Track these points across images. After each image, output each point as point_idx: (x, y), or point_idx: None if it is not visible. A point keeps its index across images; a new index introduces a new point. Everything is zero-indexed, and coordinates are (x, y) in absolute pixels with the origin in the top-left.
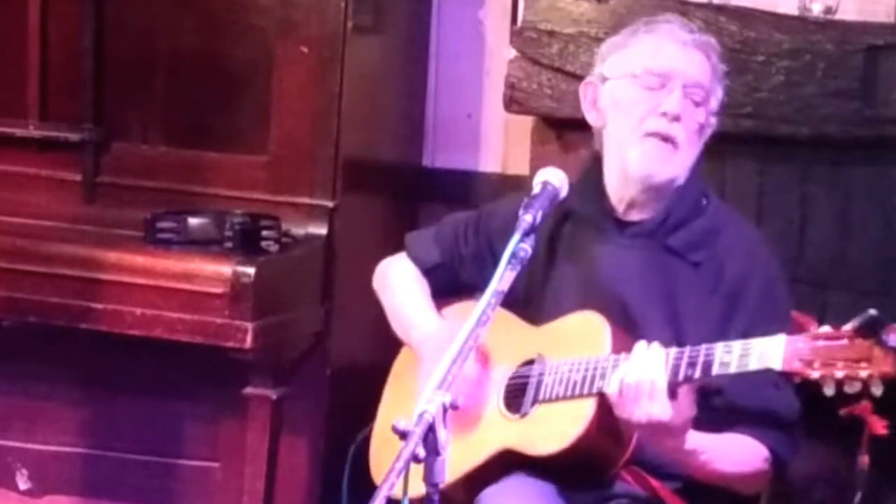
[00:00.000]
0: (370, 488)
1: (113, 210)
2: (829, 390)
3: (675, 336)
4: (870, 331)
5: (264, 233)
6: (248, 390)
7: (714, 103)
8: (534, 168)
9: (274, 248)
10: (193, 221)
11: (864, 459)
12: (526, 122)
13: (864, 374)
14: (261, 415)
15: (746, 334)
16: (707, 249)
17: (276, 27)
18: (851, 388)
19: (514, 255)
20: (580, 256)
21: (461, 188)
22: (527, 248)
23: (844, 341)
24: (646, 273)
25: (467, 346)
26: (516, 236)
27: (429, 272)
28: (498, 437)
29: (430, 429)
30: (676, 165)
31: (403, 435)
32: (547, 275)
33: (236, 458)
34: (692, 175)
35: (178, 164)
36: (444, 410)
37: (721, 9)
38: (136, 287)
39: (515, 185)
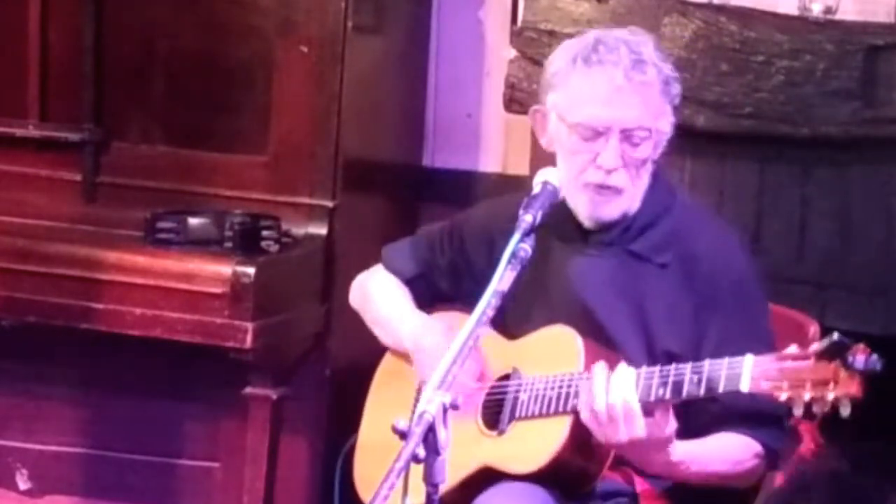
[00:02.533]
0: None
1: (113, 210)
2: (797, 410)
3: (647, 342)
4: (834, 353)
5: (264, 233)
6: (248, 390)
7: (664, 124)
8: (534, 168)
9: (274, 248)
10: (193, 221)
11: (779, 477)
12: (526, 122)
13: (830, 395)
14: (261, 415)
15: (722, 340)
16: (674, 250)
17: (276, 27)
18: (820, 409)
19: (514, 254)
20: (546, 267)
21: (461, 188)
22: (527, 248)
23: (811, 362)
24: (613, 281)
25: (467, 346)
26: (516, 236)
27: (408, 283)
28: (477, 454)
29: (430, 429)
30: (624, 203)
31: (403, 435)
32: (514, 285)
33: (236, 458)
34: (654, 177)
35: (178, 164)
36: (444, 410)
37: (721, 9)
38: (136, 287)
39: (515, 185)
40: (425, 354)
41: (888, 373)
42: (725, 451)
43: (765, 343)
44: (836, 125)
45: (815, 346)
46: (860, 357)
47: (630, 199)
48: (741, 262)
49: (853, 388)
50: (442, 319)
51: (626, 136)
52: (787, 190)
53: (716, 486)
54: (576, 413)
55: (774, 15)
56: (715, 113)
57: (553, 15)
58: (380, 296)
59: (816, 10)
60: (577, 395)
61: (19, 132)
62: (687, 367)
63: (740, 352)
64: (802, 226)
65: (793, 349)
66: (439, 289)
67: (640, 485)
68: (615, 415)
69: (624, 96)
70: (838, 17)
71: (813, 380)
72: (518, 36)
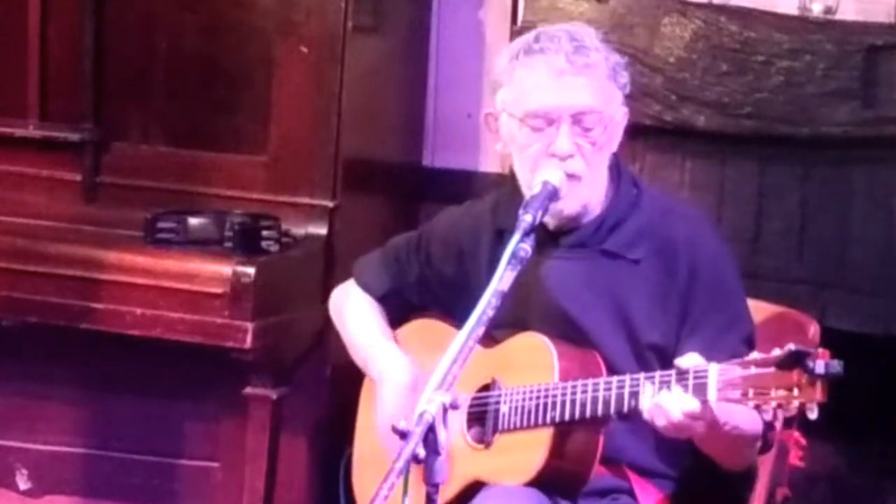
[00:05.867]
0: None
1: (113, 210)
2: (767, 416)
3: (630, 339)
4: (794, 361)
5: (264, 233)
6: (248, 390)
7: (615, 109)
8: None
9: (274, 248)
10: (193, 221)
11: (784, 491)
12: None
13: (795, 403)
14: (261, 415)
15: (698, 320)
16: (646, 244)
17: (276, 27)
18: (788, 414)
19: (514, 254)
20: (519, 274)
21: (461, 188)
22: (527, 248)
23: (773, 369)
24: (588, 282)
25: (467, 346)
26: (516, 236)
27: (381, 300)
28: (467, 468)
29: (430, 429)
30: (584, 193)
31: (403, 435)
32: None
33: (236, 458)
34: (617, 172)
35: (178, 164)
36: (444, 410)
37: (721, 9)
38: (136, 287)
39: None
40: (383, 399)
41: (888, 373)
42: (745, 412)
43: (737, 325)
44: (836, 125)
45: (776, 353)
46: (820, 363)
47: (589, 188)
48: (714, 244)
49: (816, 393)
50: (409, 338)
51: (577, 120)
52: (787, 190)
53: (726, 458)
54: (555, 425)
55: (774, 15)
56: (715, 113)
57: (553, 15)
58: (353, 319)
59: (816, 10)
60: (554, 406)
61: (19, 132)
62: (655, 378)
63: (712, 335)
64: (802, 226)
65: (755, 355)
66: (411, 302)
67: (636, 481)
68: (682, 427)
69: (568, 80)
70: (838, 17)
71: (776, 386)
72: (518, 36)
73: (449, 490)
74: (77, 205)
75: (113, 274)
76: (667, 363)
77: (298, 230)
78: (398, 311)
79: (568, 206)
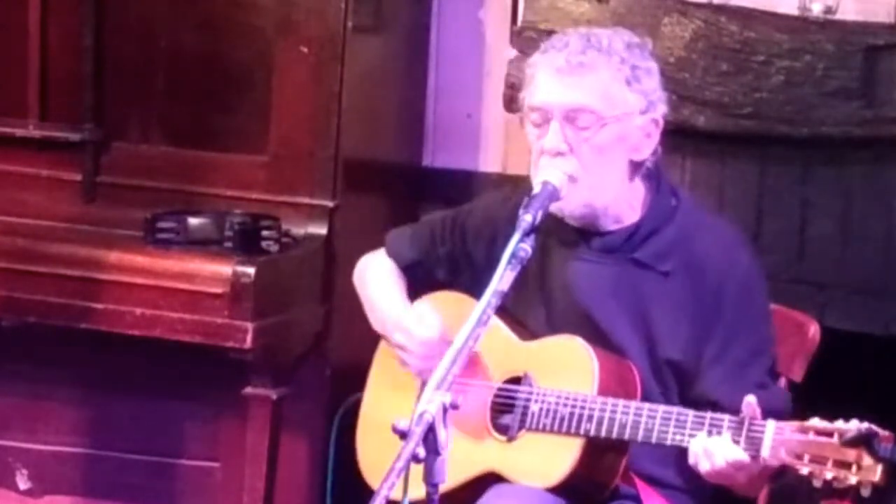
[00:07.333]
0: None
1: (113, 210)
2: (817, 483)
3: (649, 350)
4: (862, 441)
5: (264, 233)
6: (248, 390)
7: (617, 110)
8: None
9: (274, 248)
10: (193, 221)
11: None
12: None
13: (852, 479)
14: (261, 415)
15: (723, 348)
16: (677, 257)
17: (276, 27)
18: (840, 486)
19: (514, 255)
20: (548, 269)
21: (461, 188)
22: (527, 248)
23: (835, 441)
24: (615, 289)
25: (467, 346)
26: (516, 236)
27: (406, 269)
28: (485, 457)
29: (430, 429)
30: (584, 193)
31: (403, 435)
32: (514, 289)
33: (236, 458)
34: (657, 182)
35: (178, 164)
36: (444, 410)
37: (721, 9)
38: (136, 287)
39: (516, 186)
40: (418, 346)
41: (888, 373)
42: None
43: (764, 352)
44: (836, 125)
45: (842, 427)
46: (885, 446)
47: (589, 189)
48: (746, 265)
49: (875, 475)
50: (445, 301)
51: (570, 118)
52: (787, 190)
53: (742, 490)
54: (587, 437)
55: (774, 15)
56: (715, 113)
57: (553, 15)
58: (374, 280)
59: (816, 10)
60: (590, 419)
61: (19, 132)
62: (706, 420)
63: (739, 361)
64: (802, 226)
65: (815, 421)
66: (436, 277)
67: (642, 488)
68: (725, 475)
69: (563, 77)
70: (838, 17)
71: (835, 460)
72: (518, 36)
73: (462, 473)
74: (77, 205)
75: (113, 274)
76: (683, 381)
77: (298, 230)
78: (421, 283)
79: (569, 206)
